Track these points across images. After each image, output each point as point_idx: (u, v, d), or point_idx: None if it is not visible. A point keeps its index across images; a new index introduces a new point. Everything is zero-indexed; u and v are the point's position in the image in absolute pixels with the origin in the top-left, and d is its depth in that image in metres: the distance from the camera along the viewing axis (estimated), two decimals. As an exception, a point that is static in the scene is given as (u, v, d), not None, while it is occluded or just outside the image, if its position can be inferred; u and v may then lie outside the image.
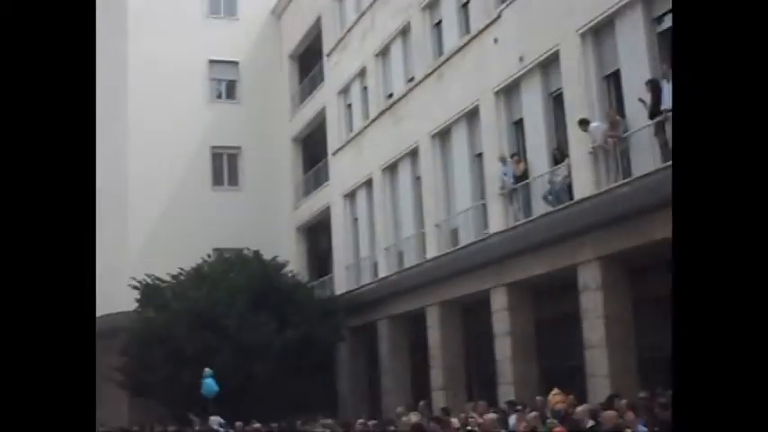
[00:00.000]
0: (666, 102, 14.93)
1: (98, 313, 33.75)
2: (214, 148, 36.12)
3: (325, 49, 32.85)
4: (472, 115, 22.60)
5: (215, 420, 23.38)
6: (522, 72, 20.21)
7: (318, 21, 33.74)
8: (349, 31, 30.67)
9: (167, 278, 28.98)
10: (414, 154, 25.75)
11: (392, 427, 17.98)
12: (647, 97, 15.88)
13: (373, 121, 28.50)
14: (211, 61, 36.64)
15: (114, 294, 32.39)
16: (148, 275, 29.21)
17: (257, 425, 21.95)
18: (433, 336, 23.84)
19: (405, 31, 26.63)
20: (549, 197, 18.91)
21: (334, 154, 31.85)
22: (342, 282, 30.59)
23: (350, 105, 31.01)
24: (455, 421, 16.17)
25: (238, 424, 22.51)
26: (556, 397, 16.36)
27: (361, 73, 29.70)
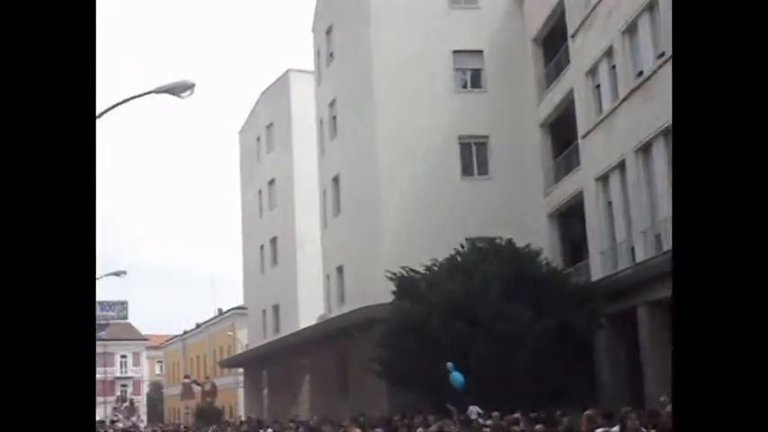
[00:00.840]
0: None
1: (355, 306, 34.73)
2: (462, 137, 36.16)
3: (570, 30, 32.14)
4: (729, 88, 21.44)
5: (473, 410, 23.34)
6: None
7: (561, 2, 33.07)
8: (593, 9, 29.86)
9: (421, 270, 29.23)
10: (668, 133, 24.70)
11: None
12: None
13: (623, 100, 27.63)
14: (455, 51, 36.70)
15: (370, 286, 33.16)
16: (403, 267, 29.58)
17: (516, 414, 21.65)
18: (697, 322, 22.76)
19: (652, 6, 25.63)
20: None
21: (584, 137, 31.12)
22: (597, 267, 29.86)
23: (598, 86, 30.17)
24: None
25: (495, 414, 22.31)
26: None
27: (608, 52, 28.84)
